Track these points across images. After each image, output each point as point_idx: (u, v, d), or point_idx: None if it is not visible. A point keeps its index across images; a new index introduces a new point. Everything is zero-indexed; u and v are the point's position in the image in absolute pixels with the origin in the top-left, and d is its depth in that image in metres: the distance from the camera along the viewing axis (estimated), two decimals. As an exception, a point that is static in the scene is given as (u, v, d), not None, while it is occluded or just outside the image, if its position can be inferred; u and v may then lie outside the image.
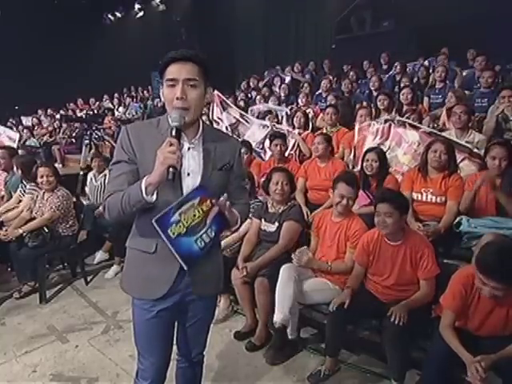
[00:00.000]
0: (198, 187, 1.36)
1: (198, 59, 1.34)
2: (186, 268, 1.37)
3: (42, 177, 3.41)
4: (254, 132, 4.74)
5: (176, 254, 1.34)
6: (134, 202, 1.29)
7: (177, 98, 1.31)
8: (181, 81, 1.31)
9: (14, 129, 8.79)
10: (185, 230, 1.34)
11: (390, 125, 3.60)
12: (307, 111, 4.98)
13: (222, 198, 1.41)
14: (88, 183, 4.46)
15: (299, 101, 5.72)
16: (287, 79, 7.36)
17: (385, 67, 6.92)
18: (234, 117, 4.90)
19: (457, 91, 4.23)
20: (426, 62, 6.60)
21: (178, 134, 1.30)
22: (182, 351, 1.66)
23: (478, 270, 1.78)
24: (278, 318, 2.37)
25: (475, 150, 3.08)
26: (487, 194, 2.62)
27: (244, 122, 4.89)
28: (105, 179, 4.24)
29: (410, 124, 3.53)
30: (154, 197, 1.29)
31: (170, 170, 1.23)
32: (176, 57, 1.32)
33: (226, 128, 4.85)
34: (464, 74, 5.56)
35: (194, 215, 1.35)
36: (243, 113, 5.13)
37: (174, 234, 1.32)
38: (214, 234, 1.42)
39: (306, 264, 2.51)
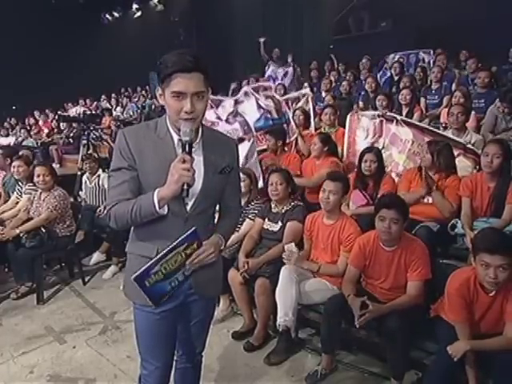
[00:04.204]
0: (191, 232, 1.34)
1: (203, 68, 1.30)
2: (153, 307, 1.39)
3: (38, 176, 3.39)
4: (253, 106, 4.66)
5: (146, 297, 1.35)
6: (145, 214, 1.31)
7: (186, 112, 1.29)
8: (189, 95, 1.28)
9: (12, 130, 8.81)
10: (162, 276, 1.34)
11: (382, 121, 3.59)
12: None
13: (201, 250, 1.39)
14: (83, 186, 4.43)
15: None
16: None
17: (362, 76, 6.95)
18: (230, 105, 4.84)
19: (462, 89, 4.22)
20: (421, 53, 6.64)
21: (190, 149, 1.29)
22: (183, 352, 1.66)
23: (481, 250, 1.80)
24: (282, 320, 2.36)
25: (469, 146, 3.08)
26: (483, 196, 2.61)
27: (240, 102, 4.82)
28: (99, 180, 4.22)
29: (402, 120, 3.52)
30: (166, 209, 1.31)
31: (185, 187, 1.25)
32: (184, 67, 1.26)
33: (227, 119, 4.77)
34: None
35: (175, 261, 1.34)
36: (236, 97, 5.08)
37: (150, 283, 1.32)
38: (190, 271, 1.41)
39: (295, 263, 2.51)
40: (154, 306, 1.39)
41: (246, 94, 4.73)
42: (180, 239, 1.33)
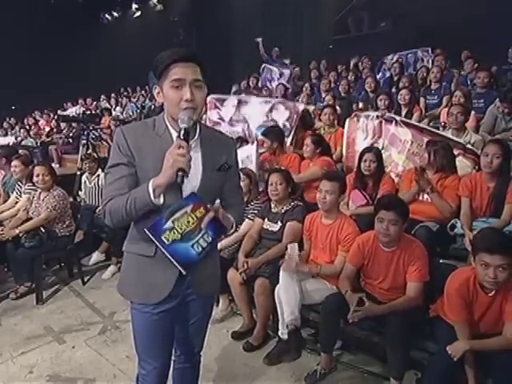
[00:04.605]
0: (190, 194, 1.35)
1: (199, 59, 1.33)
2: (184, 273, 1.37)
3: (37, 176, 3.39)
4: (256, 109, 4.67)
5: (173, 260, 1.33)
6: (140, 206, 1.28)
7: (186, 100, 1.29)
8: (188, 81, 1.29)
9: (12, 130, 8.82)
10: (179, 236, 1.33)
11: (381, 122, 3.59)
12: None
13: (215, 205, 1.40)
14: (82, 186, 4.43)
15: (300, 101, 5.69)
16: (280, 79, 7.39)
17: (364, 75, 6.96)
18: (233, 105, 4.84)
19: (462, 89, 4.23)
20: (419, 52, 6.64)
21: (187, 136, 1.29)
22: (181, 351, 1.66)
23: (481, 250, 1.80)
24: (288, 320, 2.35)
25: (469, 146, 3.08)
26: (482, 196, 2.61)
27: (244, 102, 4.83)
28: (98, 180, 4.21)
29: (401, 120, 3.52)
30: (161, 199, 1.28)
31: (179, 173, 1.23)
32: (181, 57, 1.29)
33: (230, 120, 4.79)
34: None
35: (188, 222, 1.34)
36: (239, 96, 5.08)
37: (168, 240, 1.31)
38: (211, 238, 1.41)
39: (296, 269, 2.47)
40: (184, 272, 1.36)
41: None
42: (181, 200, 1.32)
